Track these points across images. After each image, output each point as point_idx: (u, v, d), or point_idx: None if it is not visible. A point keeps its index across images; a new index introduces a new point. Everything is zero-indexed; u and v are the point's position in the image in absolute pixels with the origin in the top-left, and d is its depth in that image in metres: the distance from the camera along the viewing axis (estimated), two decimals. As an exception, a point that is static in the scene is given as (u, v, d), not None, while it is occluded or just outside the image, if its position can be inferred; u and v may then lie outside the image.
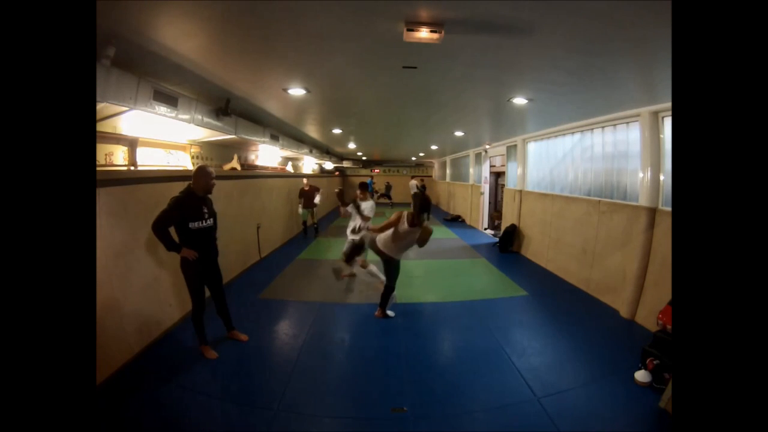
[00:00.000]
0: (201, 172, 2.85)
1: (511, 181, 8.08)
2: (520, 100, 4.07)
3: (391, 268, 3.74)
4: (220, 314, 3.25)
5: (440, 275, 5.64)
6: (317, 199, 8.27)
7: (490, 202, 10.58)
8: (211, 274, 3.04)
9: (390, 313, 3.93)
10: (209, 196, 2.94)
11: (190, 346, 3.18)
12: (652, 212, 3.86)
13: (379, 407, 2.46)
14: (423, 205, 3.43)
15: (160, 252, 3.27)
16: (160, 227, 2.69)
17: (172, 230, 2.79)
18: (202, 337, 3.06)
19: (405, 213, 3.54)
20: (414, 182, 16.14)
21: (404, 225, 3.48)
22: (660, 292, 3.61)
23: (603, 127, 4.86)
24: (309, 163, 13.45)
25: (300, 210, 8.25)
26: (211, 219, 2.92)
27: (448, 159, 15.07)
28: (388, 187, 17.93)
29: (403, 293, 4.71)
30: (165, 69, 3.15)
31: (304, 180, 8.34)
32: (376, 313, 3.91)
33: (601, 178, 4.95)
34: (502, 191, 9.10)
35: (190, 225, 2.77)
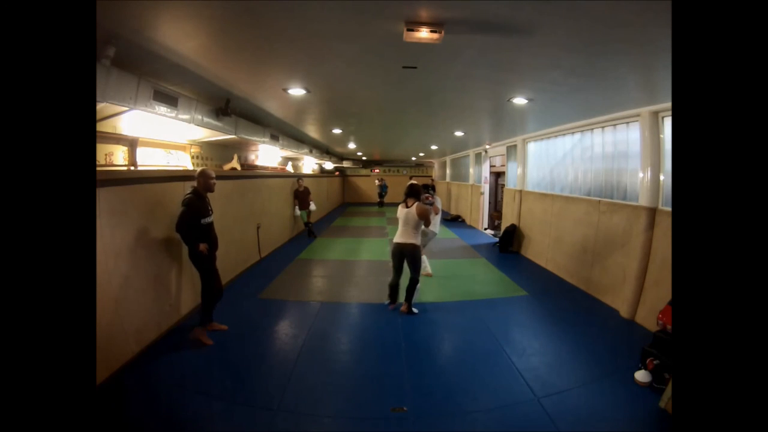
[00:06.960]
0: (204, 174, 3.20)
1: (511, 181, 8.08)
2: (520, 100, 4.07)
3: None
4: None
5: (440, 275, 5.64)
6: (312, 206, 8.46)
7: (490, 202, 10.58)
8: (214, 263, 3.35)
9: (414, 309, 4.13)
10: (209, 194, 3.29)
11: (189, 346, 3.19)
12: (652, 212, 3.85)
13: (379, 407, 2.46)
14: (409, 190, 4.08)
15: (159, 252, 3.29)
16: (183, 227, 3.03)
17: None
18: (208, 320, 3.31)
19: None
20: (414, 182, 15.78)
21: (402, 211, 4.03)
22: (660, 292, 3.60)
23: (603, 127, 4.86)
24: (309, 163, 13.44)
25: (297, 212, 8.29)
26: (212, 215, 3.31)
27: (448, 159, 15.05)
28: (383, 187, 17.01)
29: (402, 293, 4.70)
30: (165, 69, 3.15)
31: (299, 181, 8.36)
32: (402, 308, 4.10)
33: (601, 178, 4.94)
34: (502, 191, 9.10)
35: (202, 221, 3.14)
